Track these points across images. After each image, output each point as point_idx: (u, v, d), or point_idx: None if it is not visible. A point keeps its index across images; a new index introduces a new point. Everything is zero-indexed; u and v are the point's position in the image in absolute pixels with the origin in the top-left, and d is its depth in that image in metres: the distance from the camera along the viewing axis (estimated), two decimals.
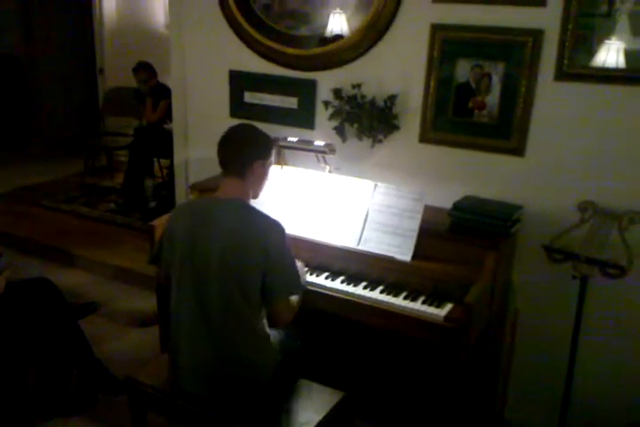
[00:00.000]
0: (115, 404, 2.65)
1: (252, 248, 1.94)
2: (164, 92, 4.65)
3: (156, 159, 5.32)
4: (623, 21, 2.17)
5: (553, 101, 2.33)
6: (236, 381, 2.02)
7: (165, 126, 4.76)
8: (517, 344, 2.56)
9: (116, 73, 6.16)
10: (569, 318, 2.36)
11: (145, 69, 5.00)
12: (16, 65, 6.36)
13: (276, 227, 2.00)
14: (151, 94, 5.03)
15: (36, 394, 2.60)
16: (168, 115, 3.44)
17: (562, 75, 2.29)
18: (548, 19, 2.25)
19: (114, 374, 2.76)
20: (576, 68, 2.26)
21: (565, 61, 2.26)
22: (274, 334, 2.12)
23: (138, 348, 3.13)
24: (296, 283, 2.05)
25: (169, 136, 3.46)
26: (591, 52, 2.23)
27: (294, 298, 2.09)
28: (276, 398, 2.07)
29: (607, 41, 2.19)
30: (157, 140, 4.88)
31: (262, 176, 2.12)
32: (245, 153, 2.05)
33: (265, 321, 2.06)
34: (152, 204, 5.05)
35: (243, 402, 2.02)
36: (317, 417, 2.01)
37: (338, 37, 2.68)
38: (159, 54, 4.97)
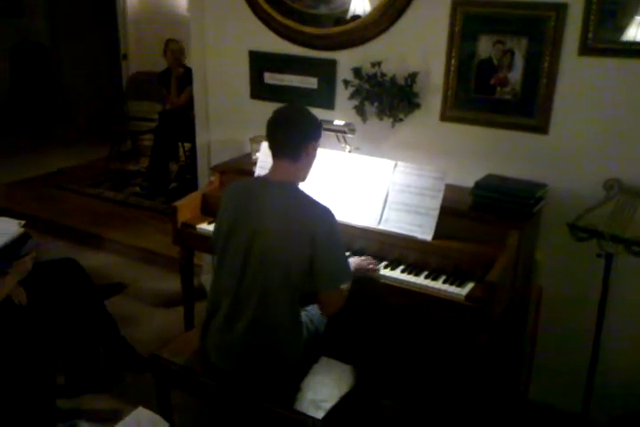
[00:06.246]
0: (140, 381, 2.70)
1: (297, 234, 1.93)
2: (189, 78, 4.66)
3: (180, 143, 5.36)
4: None
5: (577, 77, 2.28)
6: (263, 360, 2.04)
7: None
8: (541, 324, 2.54)
9: (139, 58, 6.19)
10: (594, 297, 2.33)
11: (178, 42, 5.00)
12: (42, 51, 6.44)
13: (324, 214, 1.98)
14: (179, 79, 5.04)
15: (64, 372, 2.66)
16: (192, 101, 3.45)
17: (586, 49, 2.23)
18: None
19: (139, 352, 2.81)
20: (601, 42, 2.21)
21: (590, 36, 2.21)
22: (303, 317, 2.13)
23: (163, 328, 3.18)
24: (344, 272, 2.03)
25: (193, 120, 3.47)
26: (617, 26, 2.18)
27: (343, 286, 2.07)
28: (299, 375, 2.09)
29: (635, 15, 2.13)
30: (182, 124, 4.91)
31: (313, 158, 2.09)
32: (299, 135, 2.01)
33: (298, 307, 2.07)
34: (173, 184, 5.09)
35: (266, 379, 2.05)
36: (338, 394, 2.03)
37: (357, 16, 2.65)
38: (182, 39, 4.97)
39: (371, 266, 2.26)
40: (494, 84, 2.43)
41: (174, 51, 5.00)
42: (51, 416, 2.42)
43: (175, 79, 5.05)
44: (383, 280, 2.25)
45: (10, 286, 2.33)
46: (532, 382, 2.63)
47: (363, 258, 2.29)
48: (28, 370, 2.34)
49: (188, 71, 4.92)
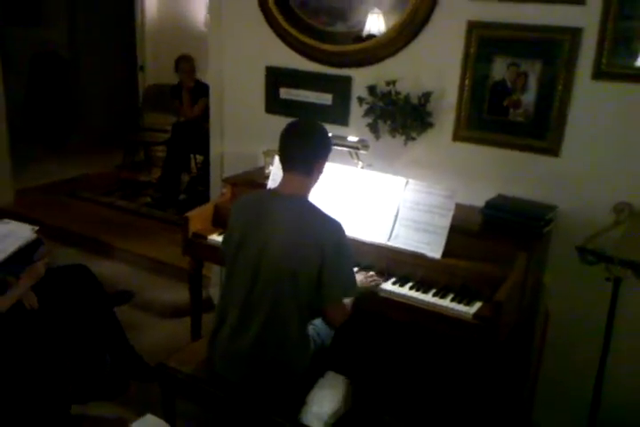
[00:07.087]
0: (146, 391, 2.70)
1: (307, 245, 1.95)
2: (203, 90, 4.72)
3: (192, 155, 5.41)
4: None
5: (590, 101, 2.30)
6: (269, 372, 2.05)
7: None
8: (547, 346, 2.54)
9: (156, 70, 6.27)
10: (601, 321, 2.33)
11: (189, 61, 5.10)
12: (59, 61, 6.53)
13: (334, 227, 2.00)
14: (190, 91, 5.11)
15: (72, 378, 2.67)
16: (206, 113, 3.50)
17: (600, 74, 2.26)
18: (586, 17, 2.23)
19: (146, 362, 2.82)
20: (615, 67, 2.23)
21: (604, 60, 2.24)
22: (310, 331, 2.14)
23: (169, 338, 3.18)
24: (349, 286, 2.05)
25: (206, 132, 3.52)
26: (631, 52, 2.20)
27: (347, 301, 2.09)
28: (304, 388, 2.10)
29: None
30: (195, 136, 4.96)
31: (322, 172, 2.12)
32: (311, 151, 2.04)
33: (306, 320, 2.08)
34: (182, 196, 5.13)
35: (271, 391, 2.05)
36: (343, 409, 2.03)
37: (373, 35, 2.70)
38: (198, 52, 5.04)
39: (373, 283, 2.27)
40: (507, 106, 2.46)
41: (185, 71, 5.08)
42: (59, 422, 2.42)
43: (187, 92, 5.12)
44: (391, 297, 2.25)
45: (22, 290, 2.36)
46: (536, 406, 2.61)
47: (368, 274, 2.31)
48: (37, 374, 2.35)
49: (199, 84, 5.01)
